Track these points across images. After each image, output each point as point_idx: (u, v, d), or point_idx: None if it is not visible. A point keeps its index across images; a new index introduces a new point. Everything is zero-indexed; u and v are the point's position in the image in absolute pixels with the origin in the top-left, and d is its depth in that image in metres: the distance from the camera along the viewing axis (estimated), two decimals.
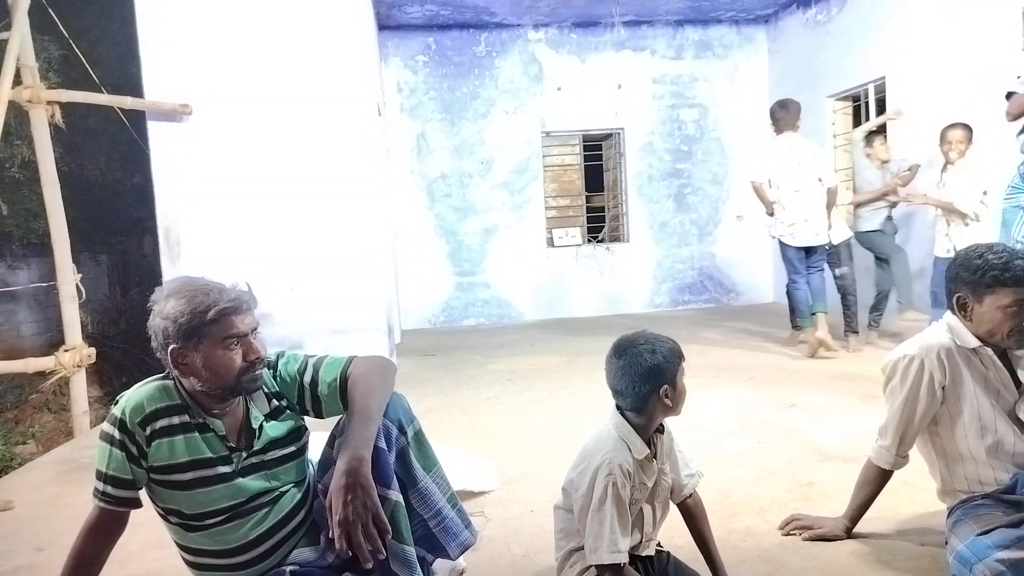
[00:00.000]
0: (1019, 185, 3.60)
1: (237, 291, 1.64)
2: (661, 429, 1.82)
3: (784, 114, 5.05)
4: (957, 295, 1.94)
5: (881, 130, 5.96)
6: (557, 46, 8.17)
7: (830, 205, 4.99)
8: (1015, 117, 3.48)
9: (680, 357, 1.77)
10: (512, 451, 3.26)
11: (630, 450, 1.73)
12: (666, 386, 1.73)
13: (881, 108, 6.64)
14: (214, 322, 1.57)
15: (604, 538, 1.65)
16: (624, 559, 1.66)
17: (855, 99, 7.19)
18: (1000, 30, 5.25)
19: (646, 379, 1.72)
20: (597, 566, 1.68)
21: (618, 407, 1.80)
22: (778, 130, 5.10)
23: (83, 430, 4.25)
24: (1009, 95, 3.51)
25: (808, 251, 5.09)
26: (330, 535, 1.52)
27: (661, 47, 8.33)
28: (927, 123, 5.89)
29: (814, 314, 5.02)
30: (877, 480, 2.12)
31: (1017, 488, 1.88)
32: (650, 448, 1.77)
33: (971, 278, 1.89)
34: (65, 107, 4.48)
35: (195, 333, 1.56)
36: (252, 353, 1.62)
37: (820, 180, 4.92)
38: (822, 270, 5.11)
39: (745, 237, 8.62)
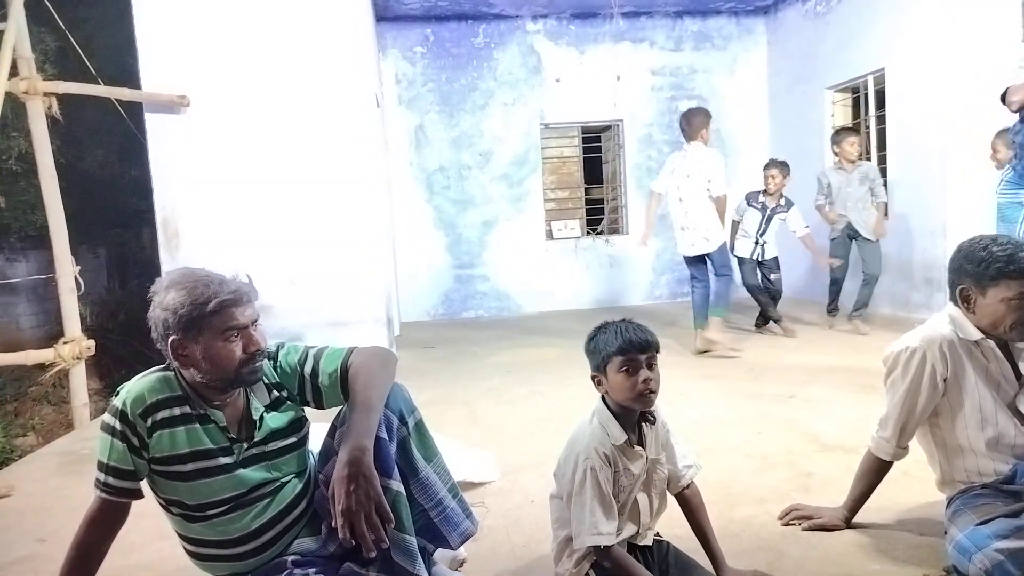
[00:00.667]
0: (1015, 180, 3.58)
1: (238, 282, 1.64)
2: (651, 419, 1.83)
3: (686, 124, 5.06)
4: (960, 287, 1.94)
5: (853, 129, 5.95)
6: (556, 37, 8.14)
7: (720, 213, 5.00)
8: (1020, 107, 3.45)
9: (614, 353, 1.75)
10: (512, 442, 3.27)
11: (608, 436, 1.76)
12: (594, 374, 1.81)
13: (880, 100, 6.63)
14: (214, 313, 1.56)
15: (585, 521, 1.69)
16: (606, 542, 1.68)
17: (854, 91, 7.18)
18: (1000, 22, 5.24)
19: (589, 360, 1.82)
20: (597, 551, 1.70)
21: (602, 396, 1.83)
22: (685, 140, 5.11)
23: (83, 422, 4.25)
24: (1004, 95, 3.48)
25: (704, 259, 5.12)
26: (332, 525, 1.52)
27: (660, 38, 8.31)
28: (927, 114, 5.89)
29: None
30: (877, 471, 2.12)
31: (1016, 478, 1.88)
32: (638, 436, 1.80)
33: (975, 270, 1.89)
34: (62, 99, 4.46)
35: (195, 324, 1.56)
36: (252, 345, 1.62)
37: (708, 190, 4.91)
38: (726, 275, 5.09)
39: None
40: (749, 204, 5.84)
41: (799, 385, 4.07)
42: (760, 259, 5.85)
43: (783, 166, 5.65)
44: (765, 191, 5.77)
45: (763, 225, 5.74)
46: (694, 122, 4.99)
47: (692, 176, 4.94)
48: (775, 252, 5.89)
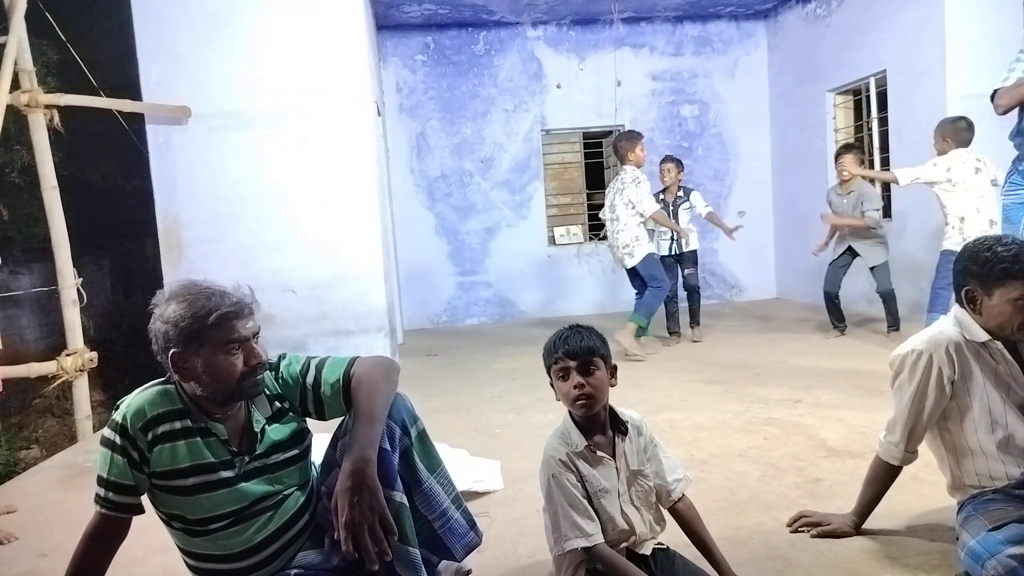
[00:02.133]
0: (1019, 181, 3.55)
1: (239, 294, 1.62)
2: (623, 429, 1.82)
3: (616, 150, 5.46)
4: (966, 288, 1.92)
5: (852, 145, 5.86)
6: (556, 44, 8.15)
7: (662, 222, 5.56)
8: (1006, 110, 3.44)
9: (547, 358, 1.80)
10: (517, 450, 3.25)
11: (568, 443, 1.78)
12: (550, 382, 1.82)
13: (882, 102, 6.61)
14: (215, 327, 1.55)
15: (560, 527, 1.71)
16: (586, 542, 1.68)
17: (855, 93, 7.16)
18: (1001, 23, 5.23)
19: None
20: (584, 552, 1.70)
21: None
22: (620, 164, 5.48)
23: (86, 434, 4.24)
24: (994, 94, 3.47)
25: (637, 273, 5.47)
26: (335, 537, 1.50)
27: (660, 43, 8.30)
28: (929, 116, 5.87)
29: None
30: (885, 476, 2.10)
31: None
32: (612, 446, 1.80)
33: (980, 271, 1.87)
34: (64, 111, 4.47)
35: (196, 337, 1.55)
36: (254, 358, 1.60)
37: (633, 209, 5.26)
38: (656, 287, 5.38)
39: (748, 233, 8.57)
40: (660, 204, 5.90)
41: (805, 390, 4.04)
42: (678, 253, 5.96)
43: (678, 162, 5.97)
44: (665, 188, 6.01)
45: (675, 219, 5.89)
46: (620, 147, 5.36)
47: (616, 198, 5.32)
48: (695, 245, 6.02)
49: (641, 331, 5.41)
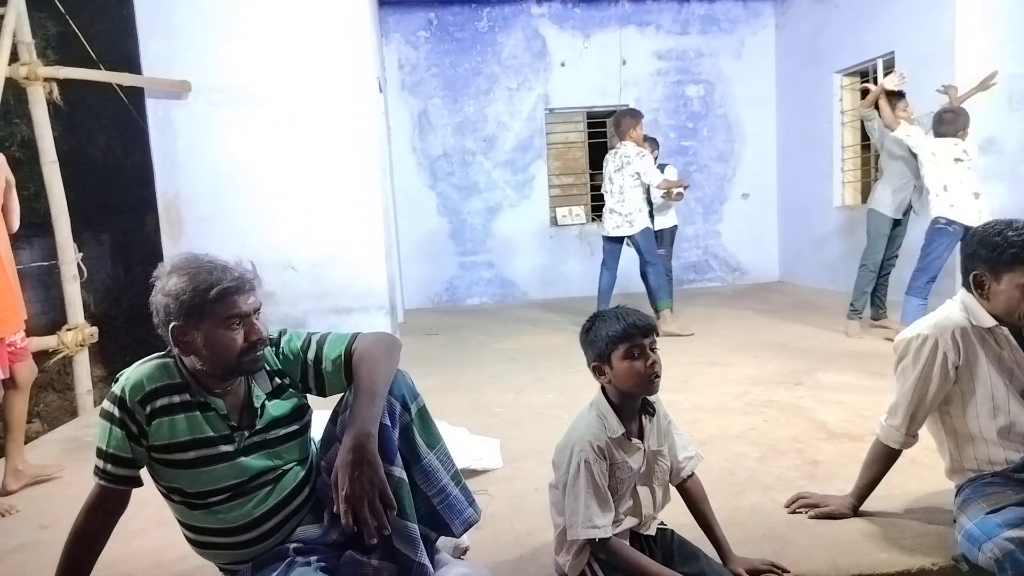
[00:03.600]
0: None
1: (241, 269, 1.61)
2: (651, 410, 1.81)
3: (616, 127, 5.66)
4: (974, 273, 1.90)
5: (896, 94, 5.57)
6: (560, 21, 8.05)
7: (669, 187, 5.65)
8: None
9: (618, 339, 1.71)
10: (516, 429, 3.25)
11: (606, 428, 1.74)
12: (596, 363, 1.76)
13: None
14: (216, 301, 1.54)
15: (579, 513, 1.68)
16: (601, 534, 1.67)
17: (863, 74, 7.08)
18: (1010, 4, 5.15)
19: (586, 352, 1.79)
20: (592, 543, 1.69)
21: (602, 386, 1.81)
22: (618, 139, 5.65)
23: (87, 409, 4.25)
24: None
25: (618, 246, 5.70)
26: (335, 511, 1.51)
27: (666, 22, 8.21)
28: (937, 98, 5.80)
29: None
30: (885, 459, 2.09)
31: None
32: (639, 428, 1.78)
33: (989, 255, 1.85)
34: (63, 85, 4.43)
35: (197, 311, 1.54)
36: (254, 334, 1.59)
37: (639, 180, 5.46)
38: (653, 265, 5.54)
39: (751, 215, 8.56)
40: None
41: (806, 372, 4.04)
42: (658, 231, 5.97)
43: (653, 140, 6.04)
44: None
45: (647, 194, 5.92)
46: (623, 123, 5.56)
47: (622, 169, 5.49)
48: (670, 224, 6.09)
49: (666, 305, 5.61)
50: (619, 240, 5.66)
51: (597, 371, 1.77)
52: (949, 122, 4.54)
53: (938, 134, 4.57)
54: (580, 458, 1.70)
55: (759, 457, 2.75)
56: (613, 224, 5.61)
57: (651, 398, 1.83)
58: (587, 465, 1.69)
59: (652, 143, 6.03)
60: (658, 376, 1.72)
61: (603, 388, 1.80)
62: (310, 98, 4.92)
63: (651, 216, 5.82)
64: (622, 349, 1.71)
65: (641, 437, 1.79)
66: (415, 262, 8.00)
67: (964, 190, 4.46)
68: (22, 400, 2.95)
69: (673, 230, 6.16)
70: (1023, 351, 1.91)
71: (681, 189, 5.83)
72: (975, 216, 4.39)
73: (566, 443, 1.78)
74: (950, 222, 4.47)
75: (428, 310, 7.86)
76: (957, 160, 4.48)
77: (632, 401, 1.77)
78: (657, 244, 5.87)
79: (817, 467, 2.62)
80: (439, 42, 7.93)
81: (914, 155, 4.74)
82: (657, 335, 1.76)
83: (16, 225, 3.15)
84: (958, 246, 4.49)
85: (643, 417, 1.80)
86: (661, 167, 6.00)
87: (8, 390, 2.84)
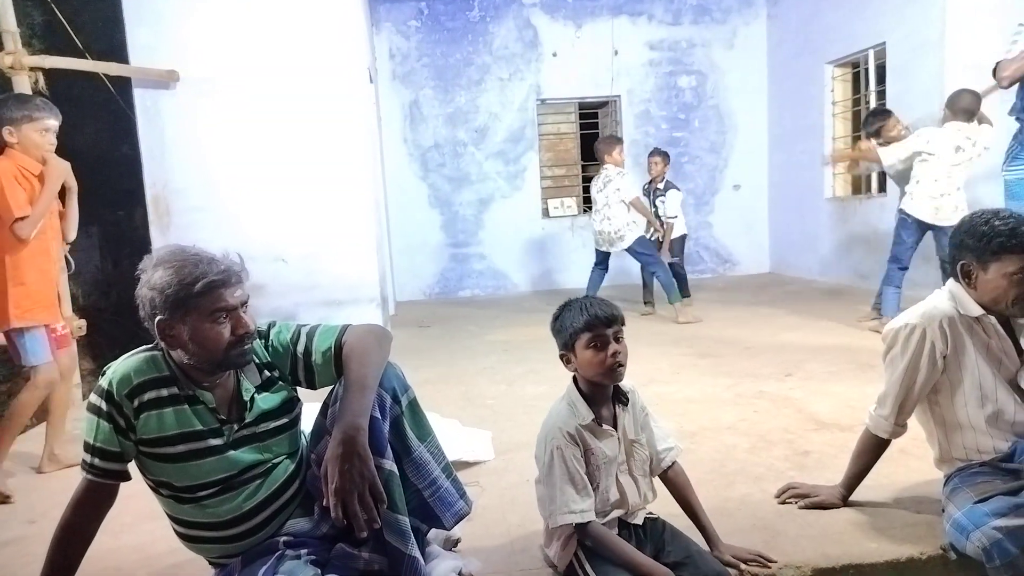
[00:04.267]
0: (1022, 157, 3.52)
1: (228, 262, 1.59)
2: (623, 399, 1.83)
3: (597, 152, 6.00)
4: (961, 262, 1.91)
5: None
6: (552, 11, 8.01)
7: (640, 209, 5.87)
8: (1011, 83, 3.39)
9: (581, 329, 1.74)
10: (508, 421, 3.25)
11: (575, 415, 1.77)
12: (562, 352, 1.79)
13: (880, 74, 6.54)
14: (202, 294, 1.52)
15: (556, 500, 1.71)
16: (579, 519, 1.69)
17: (854, 65, 7.09)
18: None
19: (556, 340, 1.82)
20: (577, 528, 1.71)
21: (573, 376, 1.84)
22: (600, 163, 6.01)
23: (76, 402, 4.20)
24: (996, 67, 3.42)
25: (607, 254, 5.99)
26: (325, 504, 1.50)
27: (658, 12, 8.18)
28: (927, 89, 5.82)
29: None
30: (874, 449, 2.11)
31: (1015, 456, 1.87)
32: (613, 416, 1.81)
33: (976, 245, 1.86)
34: (50, 75, 4.36)
35: (182, 305, 1.52)
36: (241, 327, 1.58)
37: (620, 198, 5.75)
38: (656, 266, 5.81)
39: (742, 207, 8.57)
40: (644, 193, 6.18)
41: (796, 363, 4.06)
42: (659, 239, 6.10)
43: (665, 155, 6.20)
44: (652, 180, 6.22)
45: (653, 208, 6.13)
46: (601, 148, 5.96)
47: (604, 189, 5.84)
48: (679, 233, 6.15)
49: (677, 299, 5.76)
50: (605, 252, 5.96)
51: (564, 359, 1.81)
52: (957, 102, 4.46)
53: (961, 114, 4.47)
54: (552, 446, 1.74)
55: (749, 448, 2.77)
56: (606, 241, 5.87)
57: (627, 389, 1.86)
58: (559, 452, 1.73)
59: (664, 158, 6.17)
60: (621, 365, 1.74)
61: (574, 377, 1.84)
62: (300, 88, 4.88)
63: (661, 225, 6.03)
64: (584, 339, 1.74)
65: (615, 425, 1.81)
66: (406, 254, 7.98)
67: (931, 188, 4.46)
68: (64, 386, 3.12)
69: (682, 239, 6.25)
70: (1010, 340, 1.92)
71: (658, 233, 6.04)
72: (931, 213, 4.46)
73: (541, 435, 1.82)
74: (907, 215, 4.58)
75: (420, 302, 7.84)
76: (958, 149, 4.43)
77: (601, 389, 1.80)
78: (670, 254, 6.08)
79: (807, 457, 2.63)
80: (430, 32, 7.88)
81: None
82: (623, 325, 1.77)
83: (73, 235, 3.28)
84: (928, 236, 4.60)
85: (616, 406, 1.83)
86: (667, 187, 6.10)
87: (39, 382, 2.97)
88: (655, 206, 6.12)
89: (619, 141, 6.05)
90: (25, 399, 2.89)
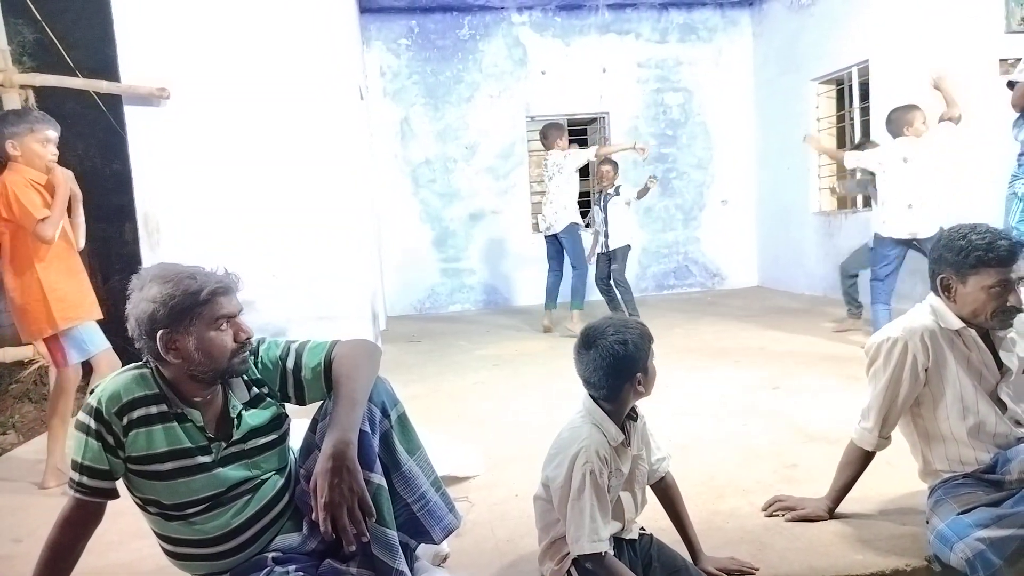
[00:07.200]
0: (1018, 173, 3.57)
1: (221, 273, 1.63)
2: (634, 415, 1.82)
3: (543, 139, 6.21)
4: (941, 276, 1.95)
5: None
6: (541, 29, 8.10)
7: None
8: (1023, 109, 3.43)
9: (649, 341, 1.75)
10: (498, 435, 3.26)
11: (605, 437, 1.73)
12: (639, 374, 1.72)
13: (864, 91, 6.65)
14: (206, 303, 1.55)
15: (585, 527, 1.64)
16: (605, 547, 1.66)
17: (839, 82, 7.20)
18: (983, 13, 5.26)
19: (619, 370, 1.70)
20: (579, 556, 1.67)
21: (592, 396, 1.79)
22: (545, 150, 6.23)
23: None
24: (1011, 84, 3.47)
25: (560, 249, 6.15)
26: (313, 518, 1.50)
27: (646, 30, 8.29)
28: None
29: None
30: (859, 461, 2.13)
31: (997, 467, 1.89)
32: (624, 434, 1.77)
33: (955, 259, 1.90)
34: (40, 92, 4.37)
35: (187, 315, 1.54)
36: (243, 333, 1.62)
37: (568, 183, 5.97)
38: (579, 271, 5.99)
39: (730, 222, 8.64)
40: (594, 202, 6.28)
41: (785, 376, 4.09)
42: (608, 250, 6.08)
43: (614, 164, 6.21)
44: (602, 190, 6.22)
45: (604, 214, 6.06)
46: (549, 134, 6.13)
47: (553, 176, 6.02)
48: (622, 242, 6.09)
49: (577, 306, 6.01)
50: (555, 240, 6.07)
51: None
52: (894, 120, 4.57)
53: (894, 132, 4.57)
54: (585, 470, 1.65)
55: (739, 461, 2.78)
56: (545, 226, 6.09)
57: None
58: (593, 476, 1.65)
59: (614, 165, 6.17)
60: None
61: (593, 398, 1.78)
62: (291, 106, 4.90)
63: (605, 232, 6.03)
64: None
65: (630, 444, 1.80)
66: (397, 269, 7.99)
67: (895, 203, 4.47)
68: (68, 400, 3.12)
69: (626, 249, 6.11)
70: (990, 352, 1.96)
71: (643, 146, 6.15)
72: (902, 228, 4.44)
73: (563, 457, 1.72)
74: (883, 238, 4.56)
75: (411, 317, 7.84)
76: (905, 160, 4.45)
77: (625, 409, 1.77)
78: (611, 260, 6.06)
79: (795, 470, 2.65)
80: (420, 50, 7.94)
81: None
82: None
83: (83, 243, 3.30)
84: (909, 253, 4.60)
85: (628, 423, 1.81)
86: (618, 190, 6.07)
87: (58, 386, 3.04)
88: (605, 214, 6.06)
89: (564, 128, 6.25)
90: (61, 403, 2.98)
